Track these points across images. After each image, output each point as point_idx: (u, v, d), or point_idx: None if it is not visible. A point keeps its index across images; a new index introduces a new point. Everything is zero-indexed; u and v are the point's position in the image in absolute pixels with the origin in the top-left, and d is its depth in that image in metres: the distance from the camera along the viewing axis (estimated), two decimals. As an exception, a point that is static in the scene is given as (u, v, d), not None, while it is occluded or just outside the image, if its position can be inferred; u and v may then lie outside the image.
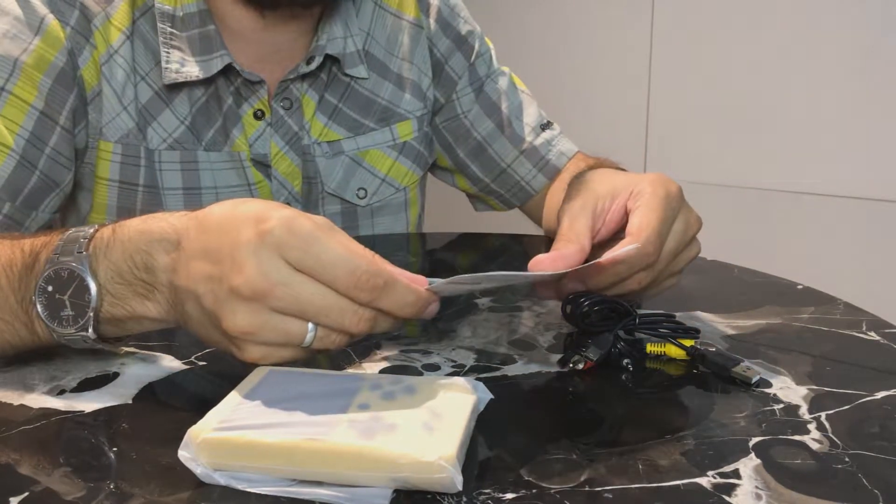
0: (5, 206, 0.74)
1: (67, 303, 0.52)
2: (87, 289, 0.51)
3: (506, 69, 0.99)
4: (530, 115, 0.97)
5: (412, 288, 0.48)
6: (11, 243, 0.57)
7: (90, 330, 0.52)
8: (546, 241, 0.95)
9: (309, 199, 0.88)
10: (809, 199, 1.86)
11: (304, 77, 0.85)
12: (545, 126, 0.97)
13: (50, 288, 0.52)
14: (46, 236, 0.55)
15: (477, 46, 0.96)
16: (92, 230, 0.53)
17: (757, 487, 0.42)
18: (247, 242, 0.46)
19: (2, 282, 0.55)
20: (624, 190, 0.62)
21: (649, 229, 0.57)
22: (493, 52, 0.99)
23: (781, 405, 0.51)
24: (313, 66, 0.84)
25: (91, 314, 0.51)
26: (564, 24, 2.19)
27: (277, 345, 0.47)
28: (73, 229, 0.54)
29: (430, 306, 0.49)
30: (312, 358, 0.59)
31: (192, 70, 0.79)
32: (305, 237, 0.46)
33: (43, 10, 0.76)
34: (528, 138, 0.96)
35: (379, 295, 0.46)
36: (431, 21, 0.94)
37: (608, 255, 0.56)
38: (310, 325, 0.47)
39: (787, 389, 0.54)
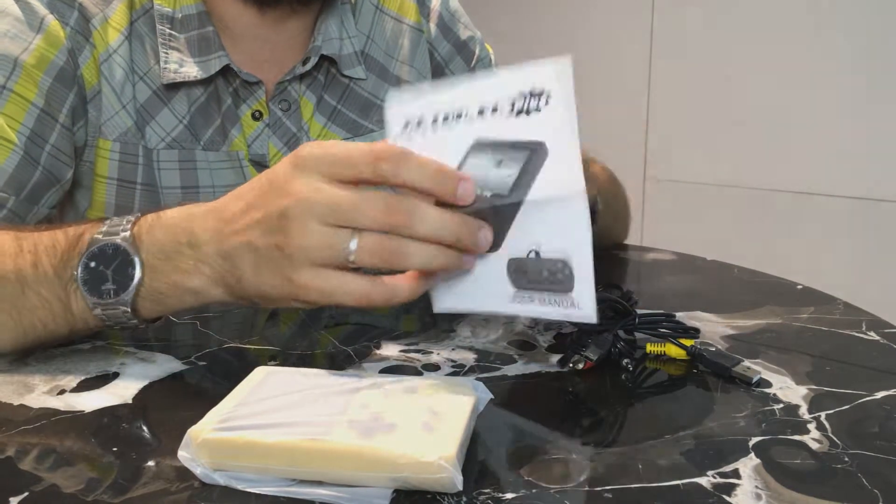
0: (10, 201, 0.74)
1: (110, 276, 0.54)
2: (132, 262, 0.54)
3: (505, 73, 0.99)
4: None
5: (427, 158, 0.49)
6: (52, 231, 0.59)
7: (129, 305, 0.55)
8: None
9: None
10: (809, 199, 1.86)
11: (301, 78, 0.85)
12: None
13: (93, 263, 0.55)
14: (89, 223, 0.58)
15: (477, 51, 0.97)
16: (135, 216, 0.56)
17: (757, 487, 0.42)
18: (284, 172, 0.50)
19: (43, 261, 0.57)
20: None
21: None
22: (492, 57, 0.99)
23: (781, 405, 0.51)
24: (309, 66, 0.84)
25: (134, 287, 0.54)
26: (564, 25, 2.19)
27: (328, 261, 0.49)
28: (116, 217, 0.57)
29: (461, 185, 0.49)
30: (312, 358, 0.59)
31: (191, 70, 0.80)
32: (331, 146, 0.50)
33: (43, 10, 0.77)
34: (528, 139, 0.96)
35: (399, 163, 0.48)
36: (432, 26, 0.95)
37: None
38: (353, 241, 0.48)
39: (787, 389, 0.54)
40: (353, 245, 0.49)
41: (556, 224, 0.50)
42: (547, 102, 0.49)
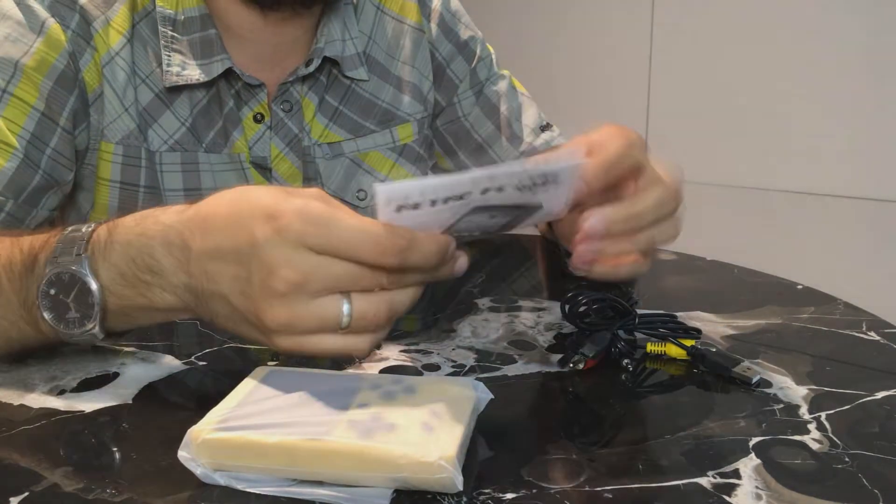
0: (8, 204, 0.74)
1: (72, 305, 0.52)
2: (91, 291, 0.52)
3: (506, 72, 1.00)
4: (530, 116, 0.98)
5: (432, 236, 0.47)
6: (11, 241, 0.57)
7: (97, 329, 0.53)
8: (543, 241, 0.95)
9: None
10: (809, 199, 1.86)
11: (303, 79, 0.85)
12: (544, 127, 0.98)
13: (52, 291, 0.53)
14: (44, 235, 0.55)
15: (478, 51, 0.97)
16: (88, 229, 0.54)
17: (757, 487, 0.42)
18: (266, 240, 0.46)
19: (2, 281, 0.55)
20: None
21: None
22: (493, 57, 0.99)
23: (781, 405, 0.51)
24: (311, 68, 0.84)
25: (97, 314, 0.52)
26: (564, 24, 2.19)
27: (314, 332, 0.47)
28: (70, 228, 0.54)
29: (451, 247, 0.48)
30: (313, 357, 0.59)
31: (193, 73, 0.80)
32: (321, 222, 0.46)
33: (44, 14, 0.77)
34: (528, 139, 0.96)
35: (405, 255, 0.46)
36: (433, 26, 0.95)
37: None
38: (345, 308, 0.47)
39: (787, 389, 0.54)
40: (346, 312, 0.47)
41: None
42: (555, 181, 0.51)
